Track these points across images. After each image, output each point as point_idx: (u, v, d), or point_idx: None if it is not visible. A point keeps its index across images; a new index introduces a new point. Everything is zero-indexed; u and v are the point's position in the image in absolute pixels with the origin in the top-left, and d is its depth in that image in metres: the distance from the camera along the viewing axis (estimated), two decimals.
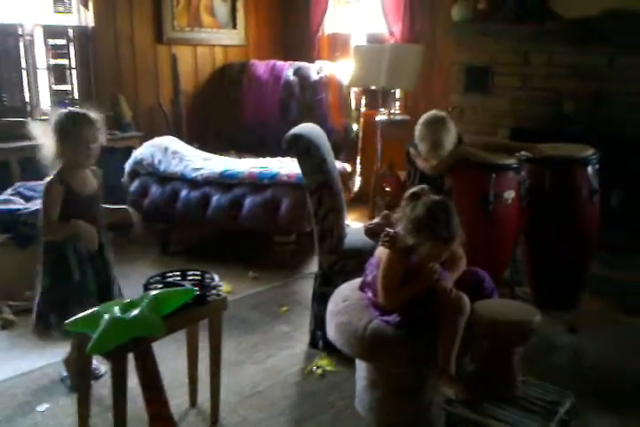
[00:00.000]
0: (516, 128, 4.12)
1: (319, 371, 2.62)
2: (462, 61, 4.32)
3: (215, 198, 3.74)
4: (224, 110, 5.00)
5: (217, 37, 4.97)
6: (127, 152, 4.44)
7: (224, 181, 3.77)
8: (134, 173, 4.01)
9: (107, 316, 1.78)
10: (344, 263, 2.72)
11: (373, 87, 4.20)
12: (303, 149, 2.60)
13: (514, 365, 1.90)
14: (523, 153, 2.68)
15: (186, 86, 4.81)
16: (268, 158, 4.09)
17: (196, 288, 1.99)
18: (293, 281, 3.64)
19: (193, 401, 2.37)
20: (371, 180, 4.60)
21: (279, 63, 4.95)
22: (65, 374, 2.48)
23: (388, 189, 4.69)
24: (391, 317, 2.07)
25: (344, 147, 4.67)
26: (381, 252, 2.13)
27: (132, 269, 3.42)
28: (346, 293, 2.32)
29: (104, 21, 4.19)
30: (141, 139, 4.47)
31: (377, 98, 4.93)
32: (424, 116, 2.65)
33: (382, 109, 4.69)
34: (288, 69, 4.90)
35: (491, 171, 2.49)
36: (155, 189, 3.89)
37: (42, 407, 2.34)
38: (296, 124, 4.70)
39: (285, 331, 3.01)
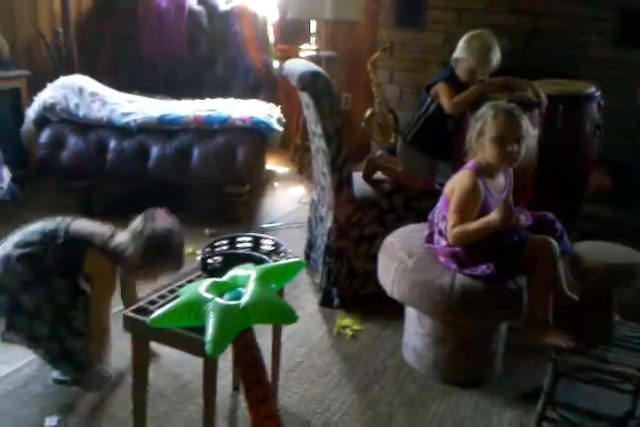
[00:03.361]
0: (448, 65, 4.05)
1: (348, 331, 2.42)
2: None
3: (156, 148, 3.21)
4: (117, 44, 4.28)
5: None
6: (13, 95, 3.66)
7: (164, 128, 3.24)
8: (42, 121, 3.30)
9: (211, 305, 1.40)
10: (362, 214, 2.50)
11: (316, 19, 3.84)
12: (324, 89, 2.27)
13: (614, 306, 1.87)
14: (518, 93, 2.59)
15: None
16: (208, 99, 3.59)
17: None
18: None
19: (236, 385, 2.05)
20: (292, 121, 4.29)
21: None
22: (55, 375, 2.03)
23: None
24: (478, 269, 1.93)
25: (264, 86, 4.27)
26: (455, 181, 1.97)
27: None
28: (406, 246, 2.12)
29: None
30: (29, 78, 3.68)
31: (291, 32, 4.57)
32: (470, 32, 2.45)
33: (307, 45, 4.37)
34: None
35: (524, 109, 2.38)
36: (74, 140, 3.24)
37: (52, 421, 1.86)
38: (208, 59, 4.32)
39: (285, 291, 2.72)
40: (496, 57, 2.42)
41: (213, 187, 3.29)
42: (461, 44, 2.45)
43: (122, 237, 1.90)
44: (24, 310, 1.87)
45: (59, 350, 1.92)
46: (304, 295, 2.68)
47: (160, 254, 1.86)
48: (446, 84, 2.44)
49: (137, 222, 1.90)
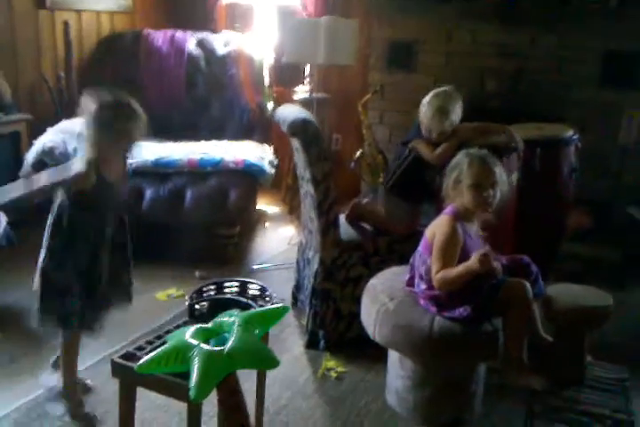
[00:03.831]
0: (415, 121, 4.14)
1: (333, 374, 2.46)
2: (384, 38, 4.27)
3: (150, 191, 3.31)
4: (117, 87, 4.41)
5: (102, 1, 4.35)
6: (13, 139, 3.77)
7: (158, 171, 3.35)
8: (41, 165, 3.38)
9: (196, 351, 1.46)
10: (347, 256, 2.57)
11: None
12: (313, 136, 2.37)
13: (586, 348, 1.93)
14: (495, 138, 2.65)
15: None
16: (202, 142, 3.70)
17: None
18: (248, 276, 3.37)
19: None
20: (284, 162, 4.39)
21: (179, 34, 4.46)
22: (62, 410, 2.08)
23: None
24: (456, 312, 1.99)
25: (258, 127, 4.38)
26: (436, 226, 2.04)
27: None
28: (387, 289, 2.18)
29: None
30: (30, 122, 3.80)
31: (286, 74, 4.72)
32: (434, 90, 2.54)
33: (300, 87, 4.51)
34: (190, 41, 4.45)
35: (500, 155, 2.47)
36: None
37: None
38: (204, 102, 4.46)
39: (272, 333, 2.76)
40: (454, 112, 2.47)
41: (204, 228, 3.36)
42: (423, 102, 2.52)
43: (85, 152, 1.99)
44: (54, 289, 1.96)
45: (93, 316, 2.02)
46: (291, 337, 2.73)
47: (111, 121, 1.97)
48: (422, 140, 2.52)
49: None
